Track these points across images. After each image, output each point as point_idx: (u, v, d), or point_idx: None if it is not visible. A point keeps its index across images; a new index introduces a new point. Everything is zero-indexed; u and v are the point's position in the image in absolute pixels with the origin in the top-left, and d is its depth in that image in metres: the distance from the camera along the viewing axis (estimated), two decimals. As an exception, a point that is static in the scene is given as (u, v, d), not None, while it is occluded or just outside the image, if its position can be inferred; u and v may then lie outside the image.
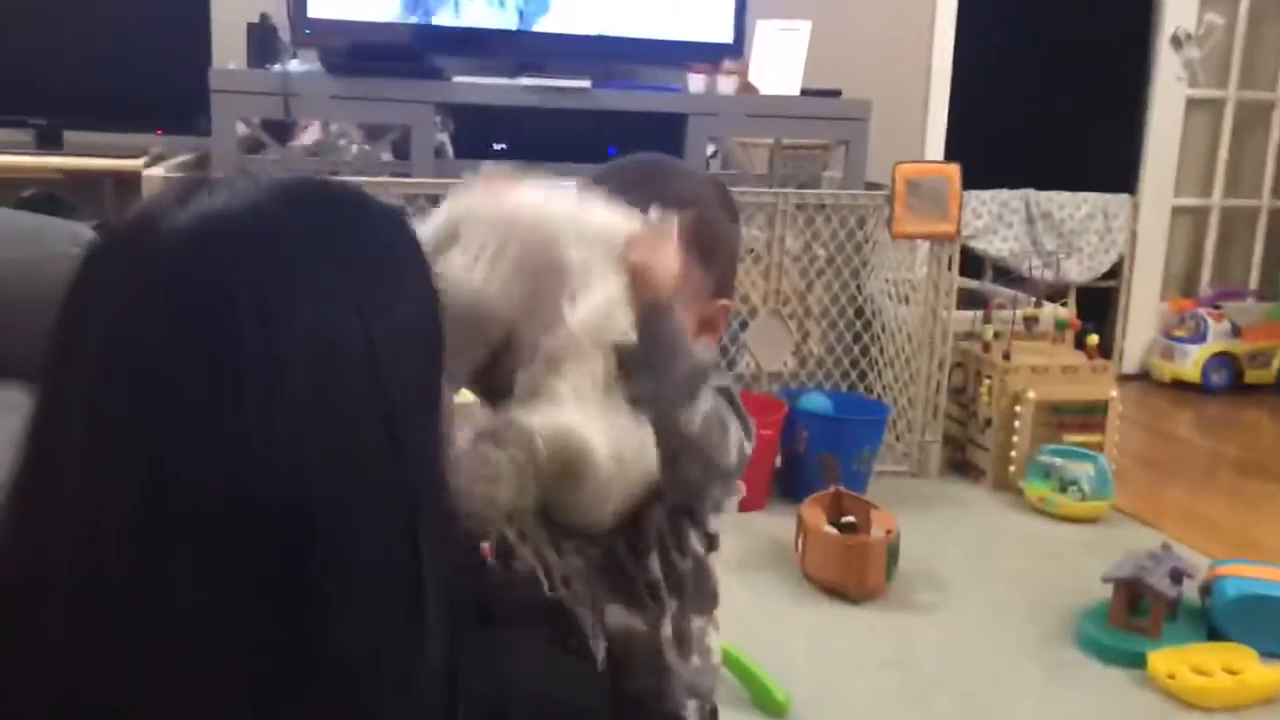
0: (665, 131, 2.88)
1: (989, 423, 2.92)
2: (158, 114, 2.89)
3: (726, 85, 2.99)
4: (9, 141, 2.85)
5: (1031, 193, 3.78)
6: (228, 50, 2.85)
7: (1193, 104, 4.10)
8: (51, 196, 2.77)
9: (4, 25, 2.85)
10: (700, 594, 1.08)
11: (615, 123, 2.90)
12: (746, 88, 3.02)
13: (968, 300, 3.14)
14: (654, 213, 0.98)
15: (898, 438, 2.99)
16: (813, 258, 2.92)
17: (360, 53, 2.70)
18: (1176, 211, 4.16)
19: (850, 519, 2.39)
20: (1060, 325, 3.12)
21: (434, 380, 0.71)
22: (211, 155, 2.63)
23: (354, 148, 2.93)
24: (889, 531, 2.31)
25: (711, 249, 1.07)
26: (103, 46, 2.88)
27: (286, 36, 2.85)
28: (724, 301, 1.10)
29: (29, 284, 1.57)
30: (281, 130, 2.82)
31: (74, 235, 1.69)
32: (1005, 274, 3.70)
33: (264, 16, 2.83)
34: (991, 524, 2.71)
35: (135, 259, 0.65)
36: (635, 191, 1.01)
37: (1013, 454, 2.86)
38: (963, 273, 3.01)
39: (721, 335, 1.11)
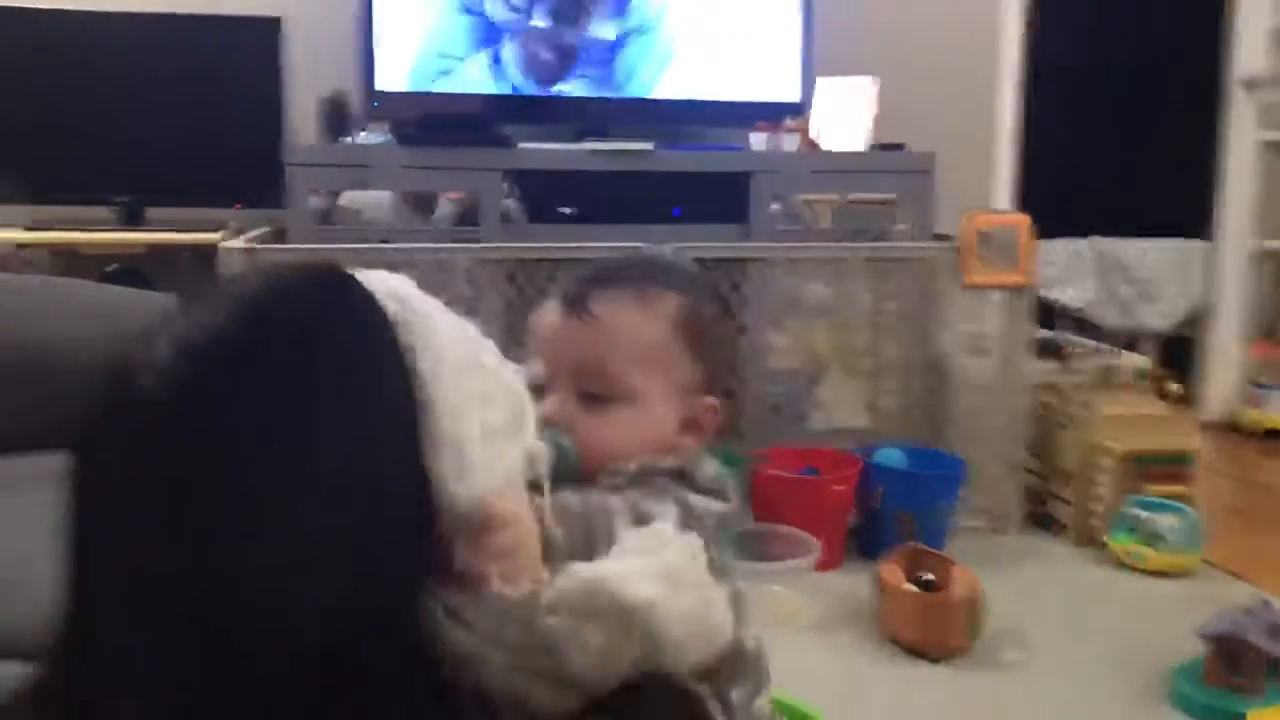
0: (729, 190, 2.90)
1: (1069, 476, 2.85)
2: (236, 189, 2.98)
3: (790, 142, 3.00)
4: (94, 219, 2.95)
5: (1103, 240, 3.73)
6: (301, 125, 2.93)
7: (1269, 146, 4.01)
8: (133, 271, 2.85)
9: (89, 108, 2.96)
10: None
11: (680, 183, 2.92)
12: (810, 144, 3.03)
13: (1043, 351, 3.09)
14: None
15: (975, 492, 2.93)
16: (884, 312, 2.89)
17: (429, 123, 2.76)
18: (1255, 256, 4.06)
19: (929, 576, 2.33)
20: (1140, 374, 3.05)
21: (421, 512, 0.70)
22: (287, 227, 2.69)
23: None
24: (971, 588, 2.26)
25: (700, 339, 1.03)
26: (182, 125, 2.98)
27: (358, 109, 2.93)
28: (711, 400, 1.04)
29: (117, 355, 1.61)
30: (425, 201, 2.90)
31: (152, 307, 1.73)
32: (1080, 324, 3.64)
33: (336, 91, 2.90)
34: (1076, 579, 2.64)
35: (122, 425, 0.66)
36: (631, 284, 1.02)
37: (1095, 507, 2.79)
38: (1037, 324, 2.96)
39: (708, 436, 1.03)
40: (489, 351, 0.79)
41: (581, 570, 0.71)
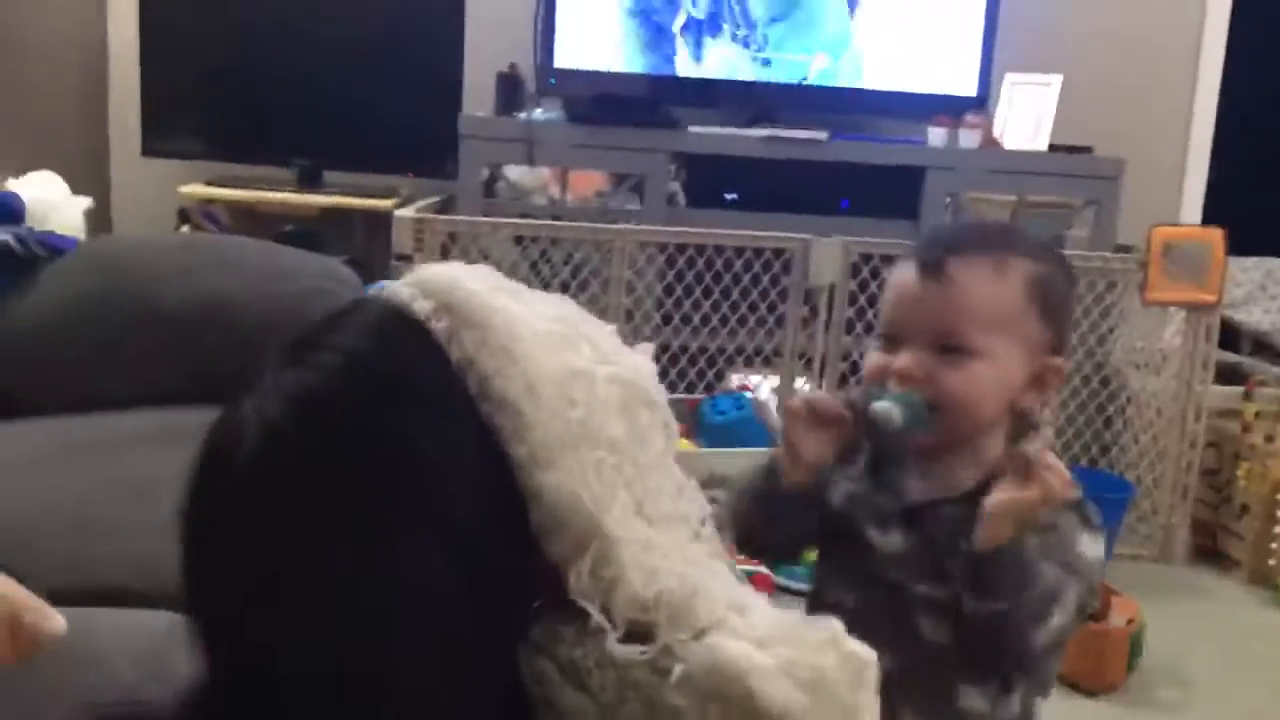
0: (902, 185, 2.81)
1: (1245, 509, 2.68)
2: (410, 157, 3.04)
3: (969, 139, 2.89)
4: (275, 179, 3.04)
5: (1300, 261, 3.49)
6: (477, 98, 2.97)
7: None
8: (307, 232, 2.94)
9: (273, 72, 3.06)
10: None
11: (849, 175, 2.85)
12: (990, 142, 2.92)
13: (1224, 375, 2.91)
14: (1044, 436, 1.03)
15: (1141, 519, 2.78)
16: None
17: (601, 102, 2.76)
18: None
19: (1087, 604, 2.23)
20: (1332, 407, 2.85)
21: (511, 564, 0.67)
22: (457, 198, 2.73)
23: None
24: (1130, 620, 2.15)
25: (1054, 306, 1.08)
26: (362, 93, 3.05)
27: (533, 86, 2.94)
28: (1058, 360, 1.10)
29: (290, 317, 1.65)
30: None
31: (330, 271, 1.77)
32: (1267, 349, 3.42)
33: (513, 66, 2.93)
34: (1246, 620, 2.48)
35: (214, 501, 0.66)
36: (986, 250, 1.07)
37: (1273, 545, 2.62)
38: (1219, 345, 2.79)
39: (1050, 393, 1.14)
40: (592, 339, 0.72)
41: (725, 648, 0.65)
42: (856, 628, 0.99)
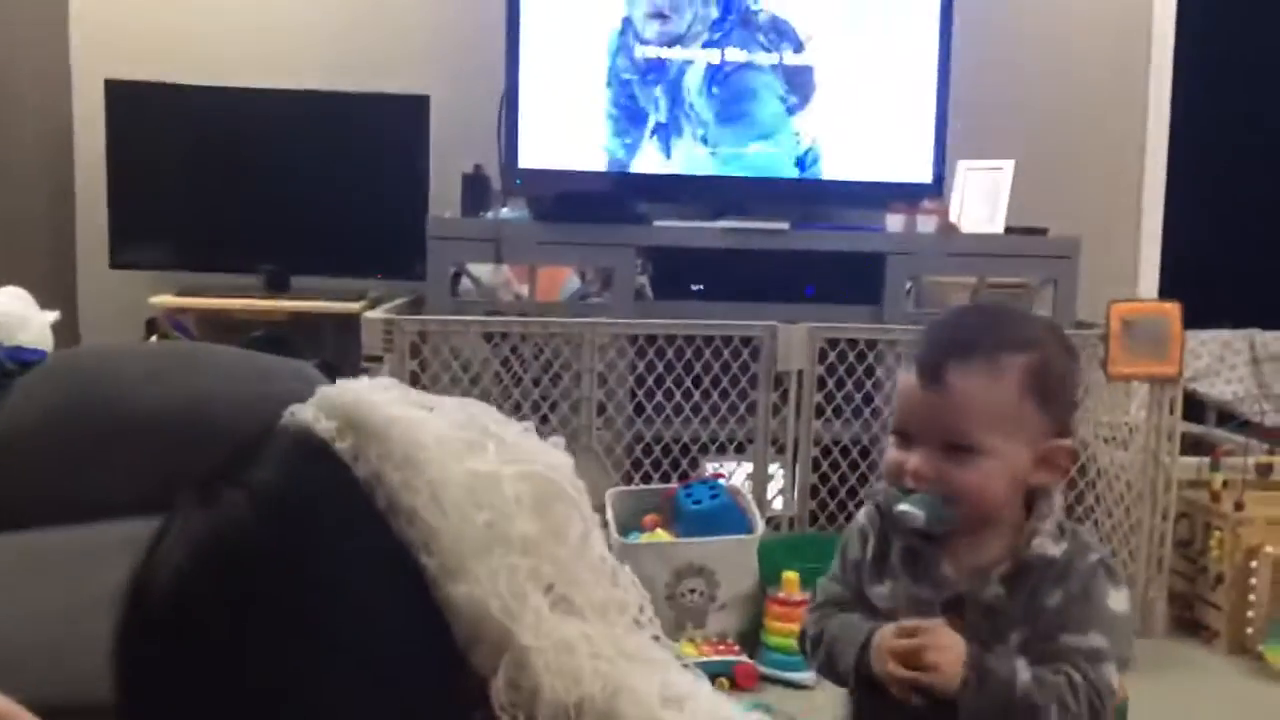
0: (864, 271, 2.86)
1: (1220, 579, 2.69)
2: (378, 259, 3.07)
3: (926, 224, 2.95)
4: (241, 286, 3.06)
5: (1256, 332, 3.56)
6: (443, 199, 3.01)
7: None
8: (277, 337, 2.94)
9: (240, 180, 3.09)
10: None
11: (812, 263, 2.90)
12: (948, 227, 2.98)
13: (1191, 446, 2.95)
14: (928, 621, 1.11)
15: (1118, 592, 2.79)
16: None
17: (566, 200, 2.80)
18: None
19: (1071, 680, 2.22)
20: (1298, 474, 2.89)
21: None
22: (425, 298, 2.75)
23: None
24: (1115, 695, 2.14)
25: (1051, 392, 1.14)
26: (328, 198, 3.09)
27: (498, 185, 2.99)
28: (1065, 442, 1.15)
29: (265, 419, 1.65)
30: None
31: (301, 373, 1.76)
32: (1230, 419, 3.47)
33: (478, 167, 2.97)
34: (1229, 691, 2.48)
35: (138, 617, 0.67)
36: (980, 353, 1.12)
37: (1250, 614, 2.63)
38: (1184, 417, 2.83)
39: (1065, 474, 1.17)
40: (500, 439, 0.70)
41: None
42: (903, 712, 1.08)
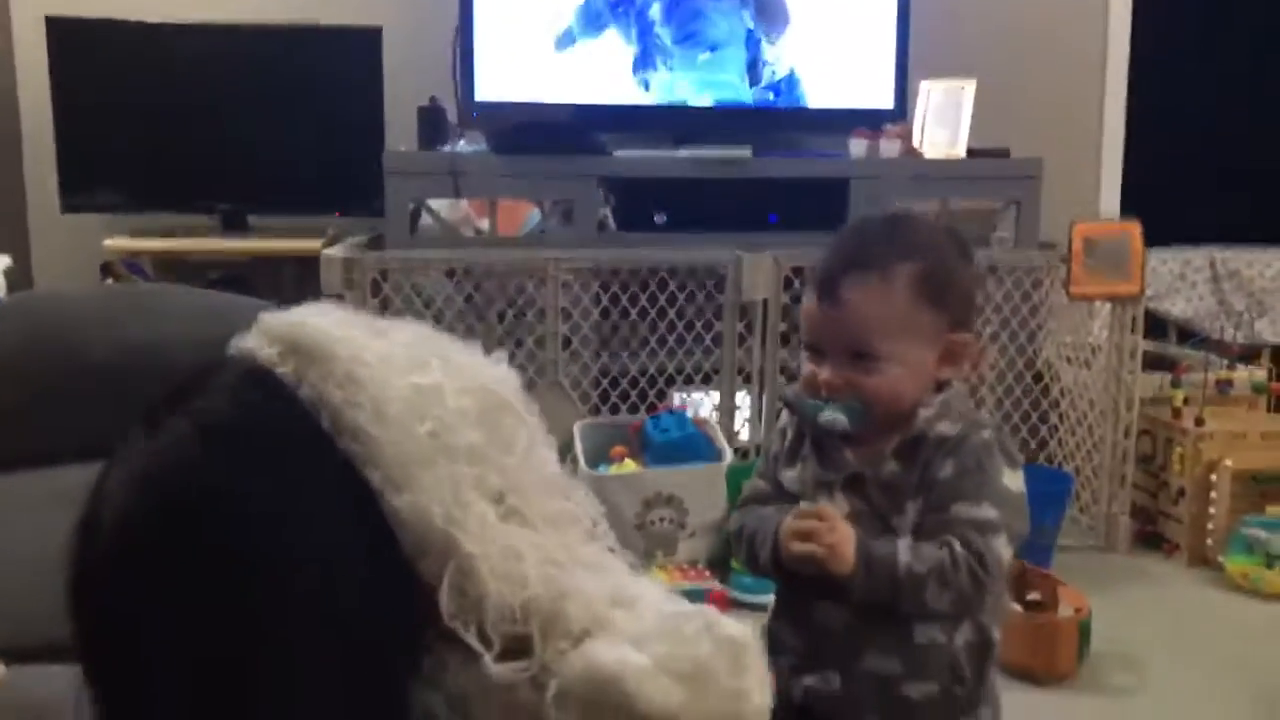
0: (827, 198, 2.84)
1: (1182, 493, 2.74)
2: (336, 197, 3.02)
3: (889, 149, 2.94)
4: (197, 227, 3.01)
5: (1217, 249, 3.59)
6: (400, 134, 2.96)
7: (1393, 151, 3.84)
8: (236, 279, 2.90)
9: (193, 118, 3.02)
10: None
11: (777, 190, 2.88)
12: (910, 151, 2.97)
13: (1153, 364, 2.98)
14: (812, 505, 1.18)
15: (1082, 510, 2.83)
16: (986, 322, 2.82)
17: (525, 132, 2.76)
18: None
19: (1035, 596, 2.26)
20: (1257, 388, 2.93)
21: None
22: (385, 234, 2.71)
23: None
24: (1079, 609, 2.18)
25: (943, 291, 1.20)
26: (284, 135, 3.03)
27: (455, 118, 2.94)
28: (964, 335, 1.22)
29: (218, 360, 1.63)
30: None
31: (259, 314, 1.74)
32: (1190, 336, 3.51)
33: (433, 99, 2.92)
34: (1190, 602, 2.53)
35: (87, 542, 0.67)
36: (870, 266, 1.18)
37: (1210, 526, 2.68)
38: (1146, 335, 2.86)
39: (967, 366, 1.24)
40: (444, 356, 0.71)
41: (596, 655, 0.64)
42: (816, 591, 1.14)
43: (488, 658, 0.64)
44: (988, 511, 1.15)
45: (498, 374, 0.72)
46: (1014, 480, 1.19)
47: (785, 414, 1.31)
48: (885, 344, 1.17)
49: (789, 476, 1.26)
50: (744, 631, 0.68)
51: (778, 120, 3.12)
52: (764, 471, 1.31)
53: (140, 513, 0.64)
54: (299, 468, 0.65)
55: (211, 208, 3.03)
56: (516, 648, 0.64)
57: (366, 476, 0.65)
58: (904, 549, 1.14)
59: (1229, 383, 2.93)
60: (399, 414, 0.65)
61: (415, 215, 2.88)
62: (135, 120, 3.02)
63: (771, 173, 2.85)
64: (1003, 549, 1.15)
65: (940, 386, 1.22)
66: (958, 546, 1.13)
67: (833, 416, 1.19)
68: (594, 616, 0.66)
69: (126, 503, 0.64)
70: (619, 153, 2.83)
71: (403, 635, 0.66)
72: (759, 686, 0.67)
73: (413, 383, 0.67)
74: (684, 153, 2.84)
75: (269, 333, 0.69)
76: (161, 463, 0.65)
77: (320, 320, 0.69)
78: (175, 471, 0.64)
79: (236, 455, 0.65)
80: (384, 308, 2.50)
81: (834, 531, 1.14)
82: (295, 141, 3.02)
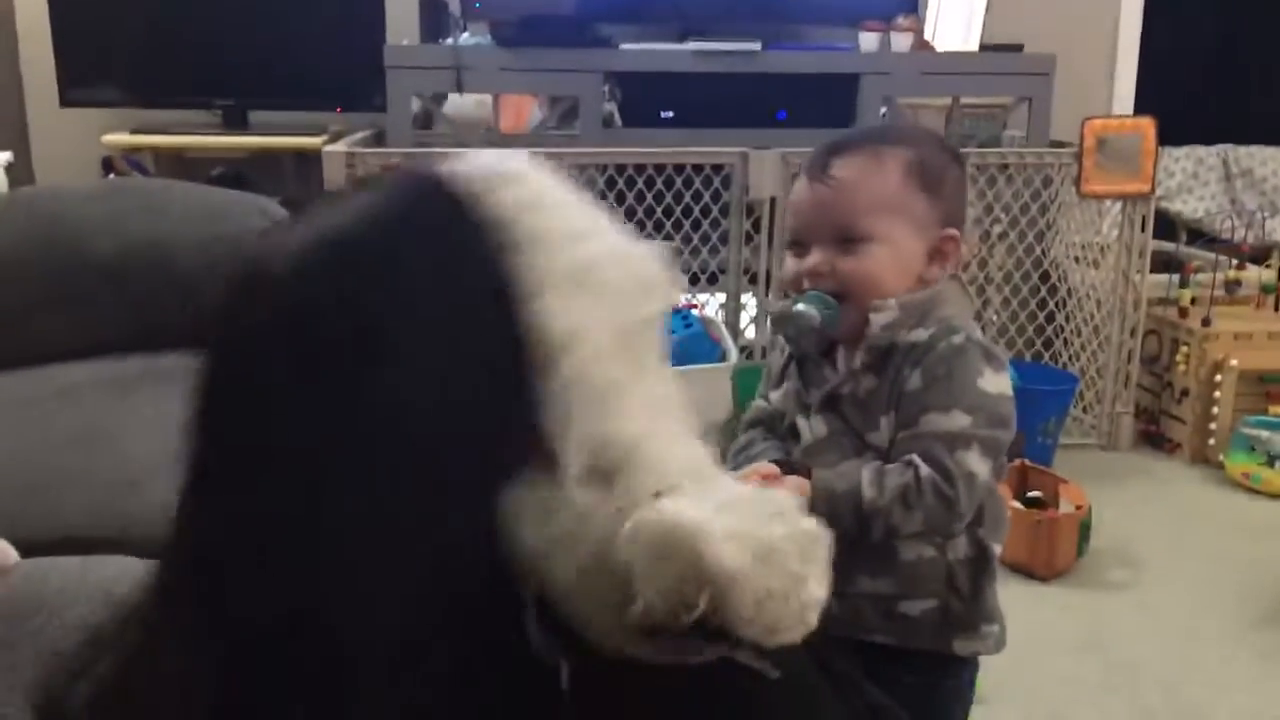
0: (837, 92, 2.79)
1: (1185, 393, 2.75)
2: (337, 92, 2.97)
3: (901, 43, 2.88)
4: (198, 122, 2.97)
5: (1230, 148, 3.53)
6: (400, 28, 2.90)
7: None
8: (238, 175, 2.87)
9: (190, 13, 2.97)
10: None
11: (785, 85, 2.83)
12: (922, 45, 2.90)
13: (1162, 264, 2.96)
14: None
15: (1086, 409, 2.84)
16: (994, 220, 2.79)
17: (529, 24, 2.71)
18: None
19: (1037, 494, 2.28)
20: (1266, 288, 2.92)
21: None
22: (387, 130, 2.68)
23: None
24: (1079, 507, 2.20)
25: (934, 181, 1.17)
26: (283, 29, 2.97)
27: (457, 11, 2.88)
28: (952, 231, 1.17)
29: (219, 256, 1.63)
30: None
31: (260, 210, 1.74)
32: (1201, 236, 3.48)
33: (435, -9, 2.86)
34: (1190, 500, 2.56)
35: (254, 304, 0.68)
36: (862, 146, 1.17)
37: (1212, 426, 2.69)
38: (1156, 235, 2.83)
39: (953, 263, 1.19)
40: (612, 237, 0.75)
41: (671, 509, 0.66)
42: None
43: (571, 472, 0.67)
44: (958, 420, 1.08)
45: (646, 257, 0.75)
46: (994, 382, 1.11)
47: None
48: (873, 222, 1.13)
49: (774, 397, 1.24)
50: (816, 526, 0.69)
51: (787, 9, 3.05)
52: (764, 391, 1.28)
53: (315, 262, 0.67)
54: (460, 264, 0.69)
55: (211, 103, 2.99)
56: (598, 482, 0.67)
57: (521, 285, 0.68)
58: (867, 482, 1.08)
59: (1237, 283, 2.92)
60: (566, 240, 0.70)
61: (427, 113, 2.84)
62: (135, 14, 2.96)
63: (780, 67, 2.80)
64: (974, 462, 1.08)
65: (924, 288, 1.16)
66: (923, 468, 1.07)
67: (805, 310, 1.13)
68: (673, 481, 0.68)
69: (304, 254, 0.67)
70: (625, 46, 2.77)
71: (513, 440, 0.68)
72: (819, 578, 0.68)
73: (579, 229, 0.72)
74: (692, 45, 2.78)
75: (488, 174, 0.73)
76: (340, 229, 0.68)
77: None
78: (348, 239, 0.68)
79: (402, 240, 0.68)
80: (387, 205, 2.48)
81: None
82: (296, 37, 2.97)
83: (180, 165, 2.93)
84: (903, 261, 1.15)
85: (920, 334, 1.12)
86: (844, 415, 1.16)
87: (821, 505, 1.07)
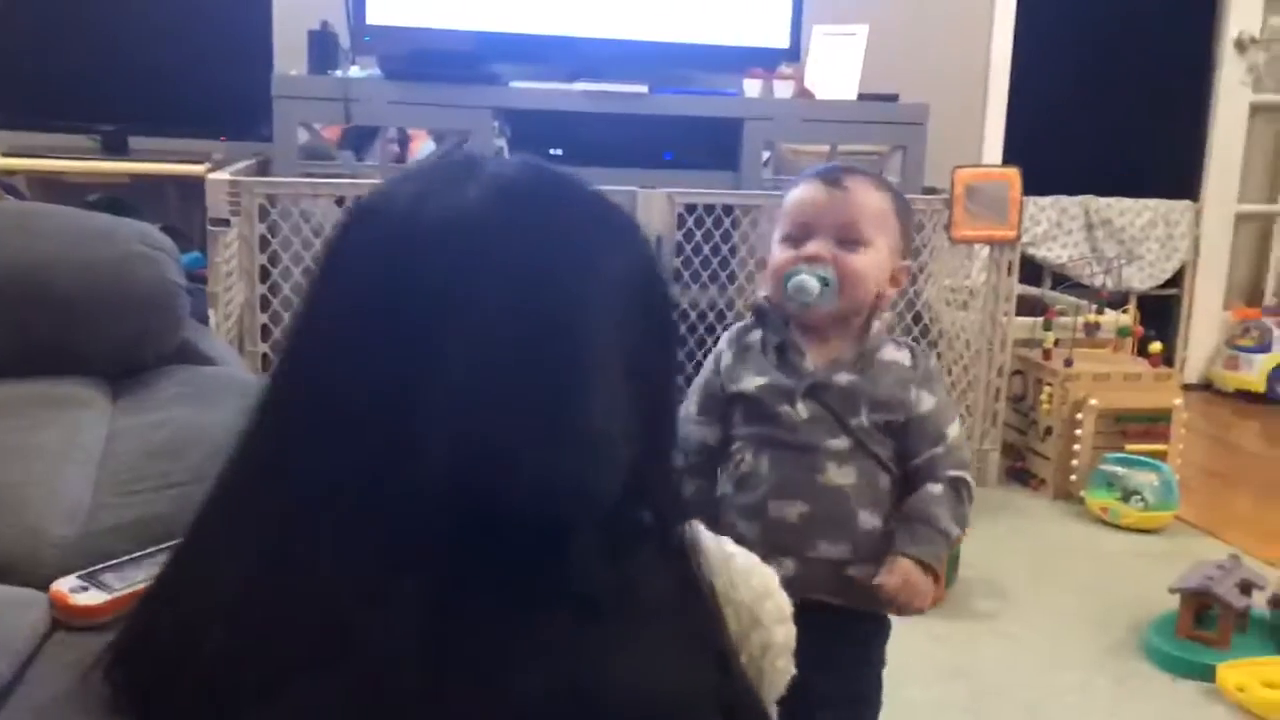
0: (721, 137, 2.88)
1: (1049, 431, 2.88)
2: (221, 120, 2.93)
3: (783, 90, 2.98)
4: (76, 148, 2.90)
5: (1091, 199, 3.73)
6: (289, 58, 2.89)
7: (1257, 109, 4.02)
8: (116, 200, 2.81)
9: (70, 34, 2.90)
10: None
11: (672, 127, 2.90)
12: (803, 92, 3.01)
13: (1027, 307, 3.10)
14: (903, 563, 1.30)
15: (956, 445, 2.95)
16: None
17: (419, 59, 2.72)
18: (1240, 218, 4.08)
19: (909, 526, 2.36)
20: (1123, 332, 3.08)
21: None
22: (273, 160, 2.66)
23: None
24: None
25: (906, 217, 1.39)
26: (167, 54, 2.92)
27: (347, 43, 2.88)
28: (907, 262, 1.41)
29: (100, 282, 1.60)
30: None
31: (142, 235, 1.71)
32: (1064, 281, 3.66)
33: (324, 24, 2.85)
34: (1053, 533, 2.67)
35: (385, 245, 0.72)
36: (847, 181, 1.35)
37: (1074, 463, 2.82)
38: (1021, 279, 2.97)
39: (901, 288, 1.42)
40: None
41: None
42: (772, 484, 1.31)
43: None
44: (955, 429, 1.35)
45: None
46: (928, 401, 1.37)
47: (725, 337, 1.43)
48: (872, 232, 1.33)
49: (749, 382, 1.37)
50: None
51: (675, 55, 3.12)
52: (692, 412, 1.41)
53: (524, 173, 0.75)
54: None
55: (91, 128, 2.93)
56: None
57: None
58: (949, 522, 1.31)
59: (1097, 326, 3.07)
60: None
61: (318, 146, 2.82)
62: (11, 35, 2.89)
63: (667, 110, 2.87)
64: (964, 452, 1.37)
65: (875, 304, 1.37)
66: (961, 482, 1.33)
67: (805, 280, 1.30)
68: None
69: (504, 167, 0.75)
70: (515, 84, 2.81)
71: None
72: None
73: None
74: (581, 86, 2.83)
75: None
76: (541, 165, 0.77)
77: None
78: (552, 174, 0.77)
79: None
80: (272, 234, 2.46)
81: (919, 596, 1.30)
82: (181, 63, 2.92)
83: (56, 190, 2.85)
84: (880, 273, 1.35)
85: (894, 349, 1.35)
86: (826, 403, 1.33)
87: (936, 564, 1.30)
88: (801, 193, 1.38)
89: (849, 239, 1.33)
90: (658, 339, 0.78)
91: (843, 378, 1.33)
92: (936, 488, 1.31)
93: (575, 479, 0.67)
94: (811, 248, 1.33)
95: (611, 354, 0.71)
